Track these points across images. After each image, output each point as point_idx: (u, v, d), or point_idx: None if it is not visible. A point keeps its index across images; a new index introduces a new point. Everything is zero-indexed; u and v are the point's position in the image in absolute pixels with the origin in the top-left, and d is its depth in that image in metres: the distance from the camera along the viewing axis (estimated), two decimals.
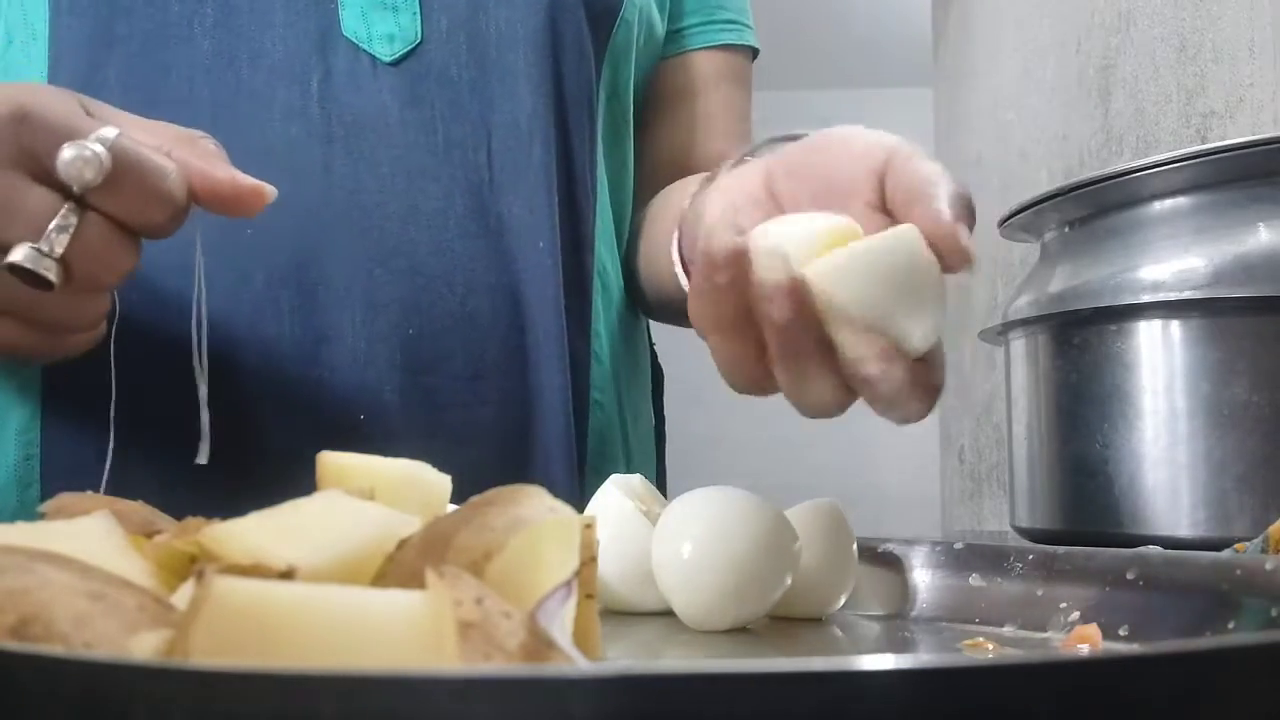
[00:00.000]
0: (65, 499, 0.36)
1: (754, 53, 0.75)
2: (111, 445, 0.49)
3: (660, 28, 0.70)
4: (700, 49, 0.72)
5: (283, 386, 0.54)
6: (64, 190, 0.40)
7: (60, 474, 0.52)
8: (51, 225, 0.40)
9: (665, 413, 0.75)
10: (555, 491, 0.29)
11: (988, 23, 1.87)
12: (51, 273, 0.39)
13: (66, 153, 0.39)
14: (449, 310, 0.56)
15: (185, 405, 0.50)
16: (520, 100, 0.59)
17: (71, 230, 0.40)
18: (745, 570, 0.40)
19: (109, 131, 0.40)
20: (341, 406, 0.54)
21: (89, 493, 0.37)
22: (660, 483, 0.73)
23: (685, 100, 0.72)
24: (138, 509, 0.35)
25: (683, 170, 0.69)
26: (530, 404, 0.59)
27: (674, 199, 0.64)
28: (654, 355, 0.75)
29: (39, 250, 0.39)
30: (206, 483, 0.50)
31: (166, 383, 0.51)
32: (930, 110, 2.30)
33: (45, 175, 0.40)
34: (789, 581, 0.41)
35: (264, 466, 0.52)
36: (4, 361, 0.53)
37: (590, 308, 0.64)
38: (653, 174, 0.72)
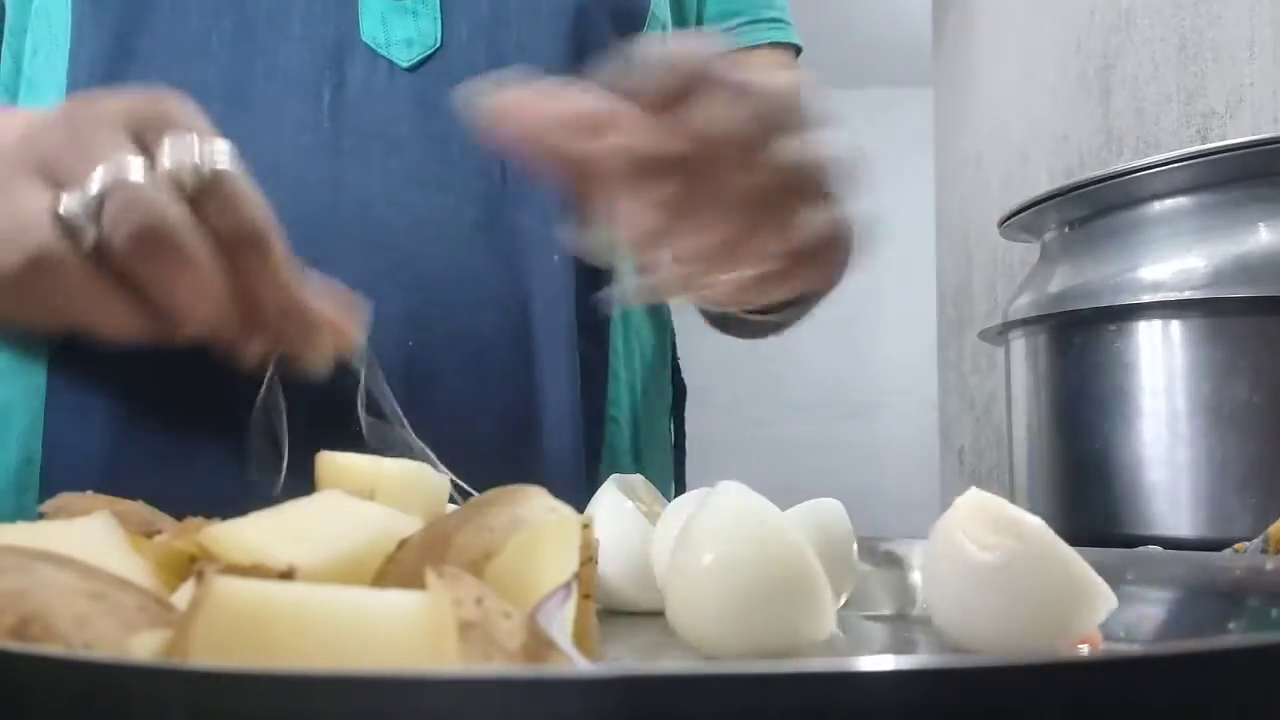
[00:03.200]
0: (65, 499, 0.36)
1: (798, 50, 0.72)
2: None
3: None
4: (745, 48, 0.70)
5: (286, 395, 0.54)
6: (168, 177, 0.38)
7: (60, 479, 0.52)
8: (101, 170, 0.37)
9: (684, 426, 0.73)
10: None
11: (988, 23, 1.87)
12: (87, 223, 0.37)
13: (175, 143, 0.38)
14: (453, 323, 0.56)
15: (193, 406, 0.51)
16: None
17: (110, 175, 0.37)
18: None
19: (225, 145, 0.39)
20: (342, 417, 0.54)
21: (89, 493, 0.37)
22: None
23: None
24: (138, 509, 0.35)
25: None
26: (535, 418, 0.58)
27: None
28: (677, 370, 0.74)
29: (82, 194, 0.37)
30: (206, 487, 0.50)
31: (178, 384, 0.51)
32: (930, 110, 2.30)
33: (146, 148, 0.38)
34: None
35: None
36: (12, 362, 0.53)
37: (608, 322, 0.62)
38: None
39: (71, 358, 0.53)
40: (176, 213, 0.37)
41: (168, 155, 0.38)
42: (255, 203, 0.40)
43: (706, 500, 0.36)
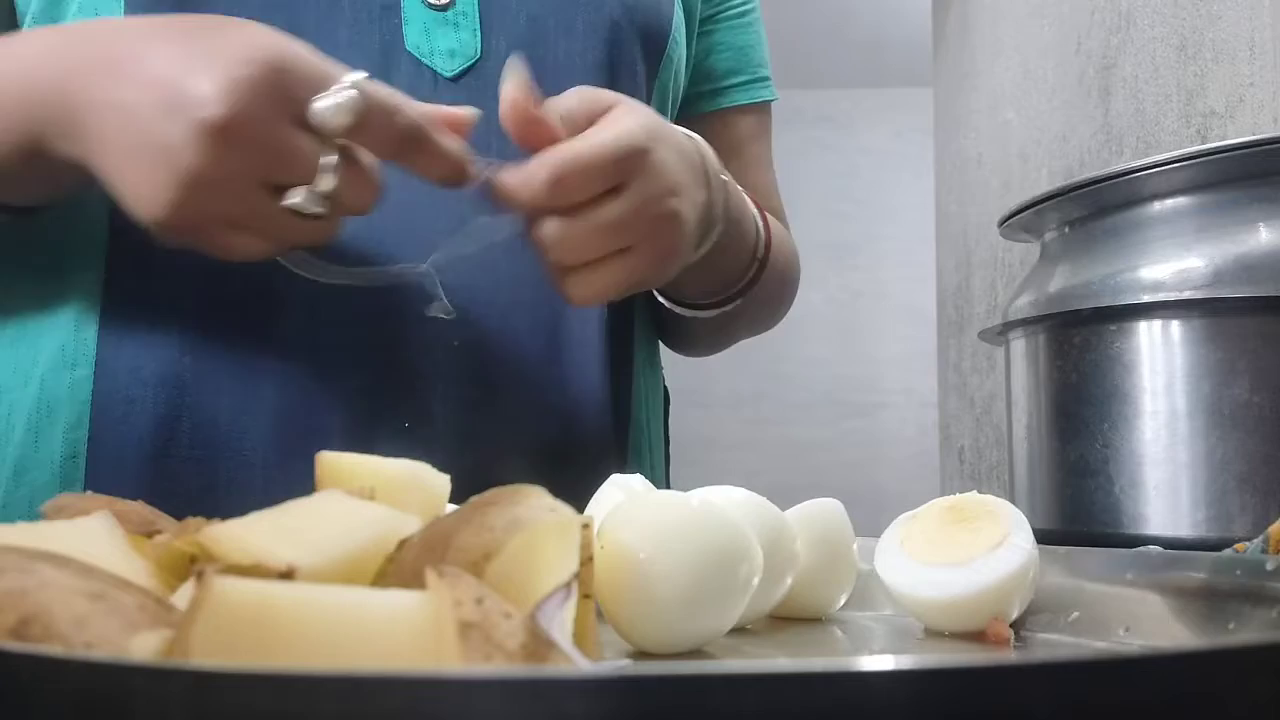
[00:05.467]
0: (65, 499, 0.36)
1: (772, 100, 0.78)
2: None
3: (684, 79, 0.71)
4: (740, 106, 0.75)
5: (332, 392, 0.54)
6: (320, 132, 0.44)
7: (104, 475, 0.52)
8: (321, 166, 0.44)
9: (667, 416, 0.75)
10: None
11: (988, 23, 1.87)
12: (323, 208, 0.45)
13: (320, 103, 0.44)
14: (490, 323, 0.58)
15: (237, 408, 0.52)
16: None
17: (335, 171, 0.45)
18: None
19: (355, 75, 0.45)
20: (388, 414, 0.54)
21: (89, 493, 0.37)
22: None
23: (728, 159, 0.73)
24: (138, 509, 0.35)
25: None
26: (570, 416, 0.60)
27: None
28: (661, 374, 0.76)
29: (314, 192, 0.44)
30: (247, 488, 0.52)
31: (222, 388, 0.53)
32: (930, 110, 2.30)
33: (304, 120, 0.44)
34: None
35: (306, 466, 0.53)
36: (59, 357, 0.54)
37: (632, 331, 0.65)
38: None
39: (118, 354, 0.53)
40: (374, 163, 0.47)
41: (330, 114, 0.44)
42: (400, 100, 0.46)
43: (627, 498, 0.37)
